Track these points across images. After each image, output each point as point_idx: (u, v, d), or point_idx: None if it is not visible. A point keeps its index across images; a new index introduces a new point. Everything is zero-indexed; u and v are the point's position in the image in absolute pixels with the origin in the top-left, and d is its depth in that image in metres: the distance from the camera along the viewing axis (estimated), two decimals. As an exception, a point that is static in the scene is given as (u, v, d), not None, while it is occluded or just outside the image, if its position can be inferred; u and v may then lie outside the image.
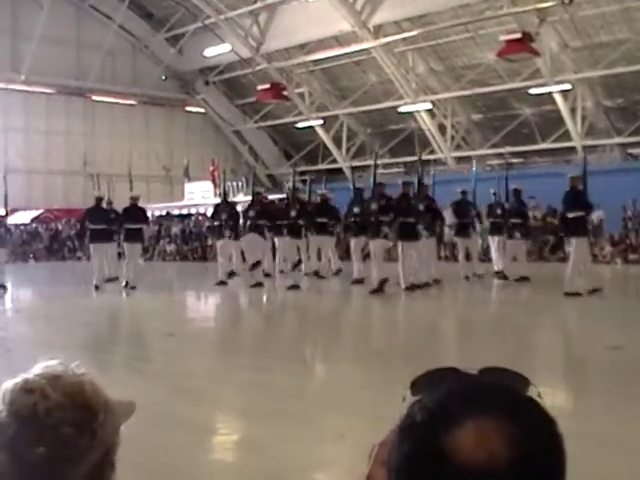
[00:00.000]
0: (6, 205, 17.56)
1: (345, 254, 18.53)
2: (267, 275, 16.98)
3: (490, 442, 0.72)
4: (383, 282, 13.69)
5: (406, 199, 14.27)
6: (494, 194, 16.88)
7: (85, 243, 18.96)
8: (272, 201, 19.67)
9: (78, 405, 1.07)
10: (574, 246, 12.66)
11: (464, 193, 16.66)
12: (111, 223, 16.49)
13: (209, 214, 25.05)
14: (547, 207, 23.65)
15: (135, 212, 16.60)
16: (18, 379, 1.09)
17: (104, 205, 16.77)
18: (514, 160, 27.82)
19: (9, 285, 16.43)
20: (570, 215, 12.55)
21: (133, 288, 15.49)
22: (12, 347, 8.27)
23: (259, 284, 15.68)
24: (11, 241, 23.06)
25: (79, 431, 1.06)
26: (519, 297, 13.96)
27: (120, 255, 16.98)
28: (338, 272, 17.48)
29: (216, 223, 17.18)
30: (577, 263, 12.55)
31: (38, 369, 1.11)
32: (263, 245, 16.61)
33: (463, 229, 16.61)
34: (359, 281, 15.42)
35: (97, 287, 15.78)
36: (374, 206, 14.24)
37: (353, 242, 16.16)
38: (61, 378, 1.09)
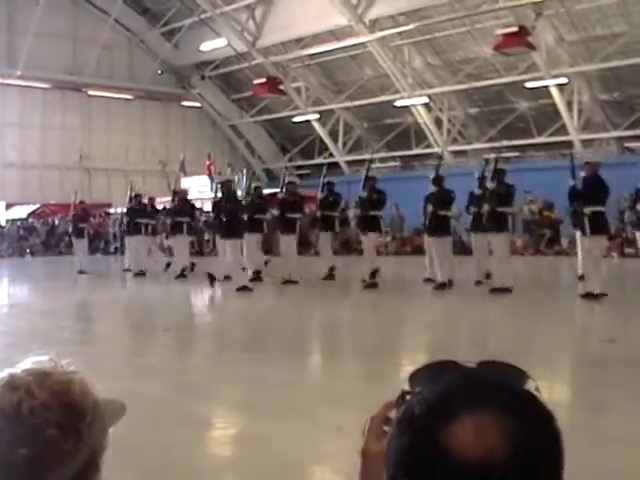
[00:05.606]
0: None
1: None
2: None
3: (489, 436, 0.73)
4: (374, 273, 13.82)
5: (599, 181, 11.36)
6: None
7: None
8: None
9: (65, 405, 1.02)
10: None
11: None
12: None
13: (205, 208, 25.10)
14: (543, 201, 23.72)
15: None
16: (4, 374, 1.04)
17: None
18: (510, 154, 27.84)
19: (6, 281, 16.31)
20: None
21: None
22: (10, 342, 8.26)
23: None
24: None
25: (64, 433, 1.01)
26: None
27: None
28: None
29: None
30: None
31: (26, 364, 1.06)
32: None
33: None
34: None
35: None
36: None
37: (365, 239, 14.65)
38: (49, 376, 1.05)
